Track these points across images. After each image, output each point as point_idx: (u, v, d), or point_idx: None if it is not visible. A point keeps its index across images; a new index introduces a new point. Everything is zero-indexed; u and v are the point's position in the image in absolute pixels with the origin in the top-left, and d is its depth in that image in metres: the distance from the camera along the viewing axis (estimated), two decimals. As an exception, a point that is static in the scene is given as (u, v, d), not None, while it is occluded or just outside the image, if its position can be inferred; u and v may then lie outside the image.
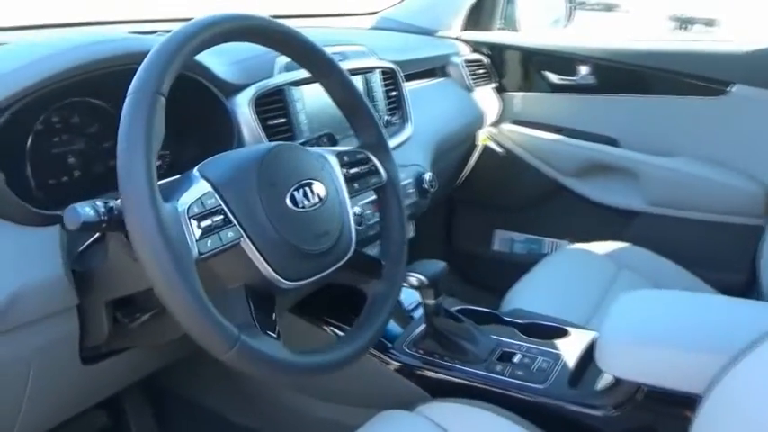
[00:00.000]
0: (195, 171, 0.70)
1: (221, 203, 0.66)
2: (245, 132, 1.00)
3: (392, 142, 1.28)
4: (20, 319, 0.72)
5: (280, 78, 1.06)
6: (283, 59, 1.09)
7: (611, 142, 1.78)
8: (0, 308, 0.68)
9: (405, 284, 1.05)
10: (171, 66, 0.63)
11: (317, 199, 0.73)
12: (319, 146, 0.91)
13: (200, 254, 0.62)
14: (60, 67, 0.79)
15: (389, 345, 1.12)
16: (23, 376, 0.76)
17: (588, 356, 1.03)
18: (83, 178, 0.92)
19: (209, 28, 0.67)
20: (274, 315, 0.72)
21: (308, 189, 0.72)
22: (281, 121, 1.05)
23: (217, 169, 0.70)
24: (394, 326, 1.20)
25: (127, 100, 0.61)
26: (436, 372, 1.06)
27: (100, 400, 0.94)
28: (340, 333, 1.13)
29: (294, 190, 0.71)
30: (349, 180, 0.82)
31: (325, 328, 1.14)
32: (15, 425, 0.82)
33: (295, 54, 0.81)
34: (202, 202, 0.65)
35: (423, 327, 1.12)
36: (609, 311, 1.02)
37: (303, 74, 1.11)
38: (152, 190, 0.59)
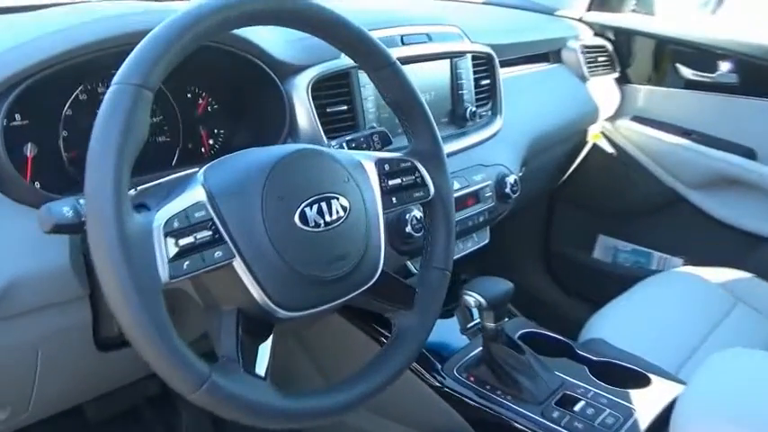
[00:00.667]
0: (200, 173, 0.62)
1: (213, 216, 0.58)
2: (301, 119, 0.91)
3: (476, 137, 1.16)
4: (21, 307, 0.68)
5: (347, 60, 0.95)
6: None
7: (748, 154, 1.53)
8: None
9: (464, 304, 0.94)
10: (165, 56, 0.55)
11: (335, 217, 0.63)
12: (369, 145, 0.81)
13: (171, 278, 0.54)
14: (100, 35, 0.74)
15: (439, 365, 1.01)
16: (30, 360, 0.74)
17: (666, 418, 0.87)
18: None
19: (218, 12, 0.58)
20: (267, 348, 0.63)
21: (324, 205, 0.62)
22: (343, 108, 0.95)
23: (220, 174, 0.62)
24: (457, 339, 1.09)
25: (108, 91, 0.54)
26: (484, 405, 0.94)
27: (124, 384, 0.92)
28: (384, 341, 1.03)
29: (306, 206, 0.61)
30: (387, 192, 0.71)
31: (373, 335, 1.05)
32: (29, 403, 0.80)
33: (337, 41, 0.71)
34: (187, 215, 0.56)
35: (479, 350, 1.00)
36: (699, 370, 0.85)
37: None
38: (118, 201, 0.51)
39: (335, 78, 0.94)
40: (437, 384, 0.99)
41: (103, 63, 0.77)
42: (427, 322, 0.74)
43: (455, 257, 1.10)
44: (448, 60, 1.12)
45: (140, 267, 0.52)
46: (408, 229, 0.94)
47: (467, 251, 1.13)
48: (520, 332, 1.09)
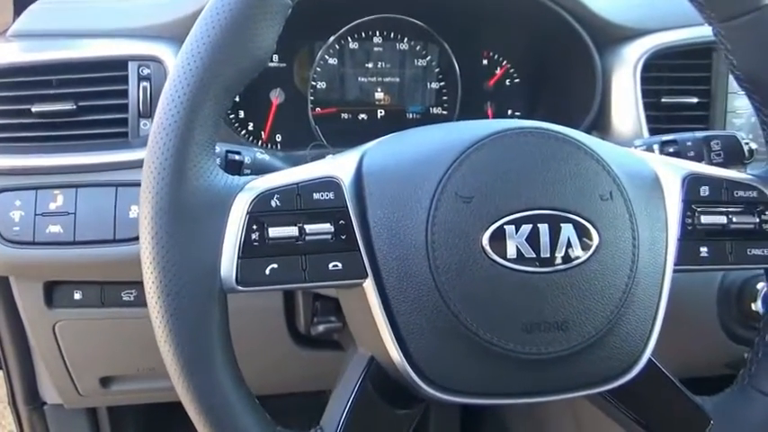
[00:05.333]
0: (372, 142, 0.40)
1: (346, 203, 0.35)
2: (617, 107, 0.63)
3: None
4: None
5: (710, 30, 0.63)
6: None
7: None
8: None
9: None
10: None
11: (561, 253, 0.35)
12: (700, 155, 0.48)
13: (239, 283, 0.34)
14: None
15: None
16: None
17: None
18: (388, 118, 0.72)
19: None
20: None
21: (544, 228, 0.35)
22: (691, 101, 0.63)
23: (392, 145, 0.39)
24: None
25: None
26: None
27: (327, 387, 0.79)
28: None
29: (509, 222, 0.35)
30: (693, 235, 0.39)
31: None
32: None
33: None
34: (300, 192, 0.35)
35: None
36: None
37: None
38: (183, 143, 0.33)
39: (686, 55, 0.62)
40: None
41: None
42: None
43: None
44: None
45: (192, 254, 0.33)
46: (758, 304, 0.59)
47: None
48: None
